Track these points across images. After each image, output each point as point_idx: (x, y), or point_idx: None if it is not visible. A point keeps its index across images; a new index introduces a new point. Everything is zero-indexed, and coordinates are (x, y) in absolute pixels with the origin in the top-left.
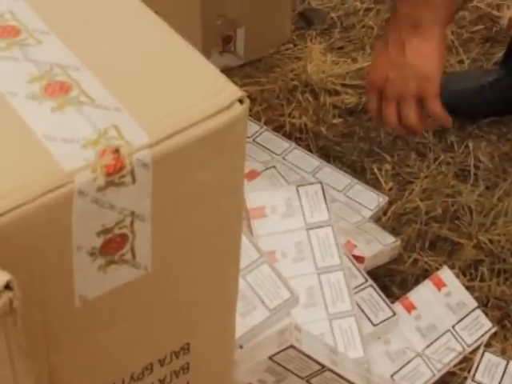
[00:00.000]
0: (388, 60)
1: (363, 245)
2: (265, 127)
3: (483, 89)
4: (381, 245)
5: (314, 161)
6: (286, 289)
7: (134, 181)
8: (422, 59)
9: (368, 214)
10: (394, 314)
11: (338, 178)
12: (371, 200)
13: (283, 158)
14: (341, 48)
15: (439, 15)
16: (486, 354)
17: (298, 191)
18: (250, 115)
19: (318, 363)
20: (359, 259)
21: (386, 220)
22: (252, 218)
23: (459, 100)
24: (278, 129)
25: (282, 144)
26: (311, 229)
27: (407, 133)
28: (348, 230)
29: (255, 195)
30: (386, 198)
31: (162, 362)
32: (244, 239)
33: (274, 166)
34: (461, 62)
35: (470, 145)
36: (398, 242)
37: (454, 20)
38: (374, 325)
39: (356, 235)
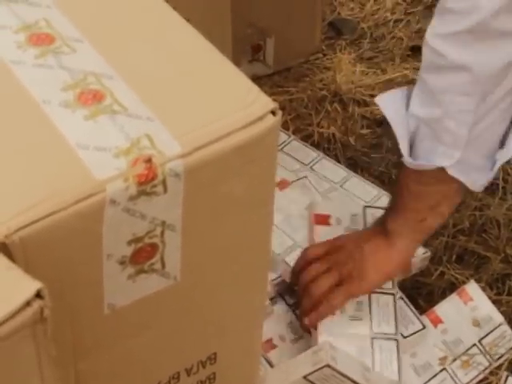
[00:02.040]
0: (357, 239)
1: None
2: (293, 136)
3: None
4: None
5: (341, 171)
6: None
7: (165, 190)
8: (373, 261)
9: None
10: (424, 326)
11: (365, 188)
12: None
13: (311, 168)
14: (370, 58)
15: (406, 227)
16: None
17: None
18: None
19: (354, 381)
20: None
21: None
22: None
23: None
24: (306, 138)
25: (310, 153)
26: None
27: (301, 294)
28: None
29: None
30: None
31: (188, 372)
32: None
33: (306, 176)
34: None
35: None
36: (429, 254)
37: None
38: (404, 337)
39: None
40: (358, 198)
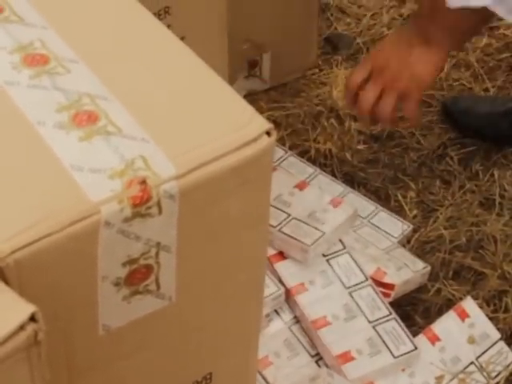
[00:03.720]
0: (396, 51)
1: (393, 271)
2: (289, 152)
3: (510, 112)
4: (411, 271)
5: (338, 186)
6: None
7: (160, 212)
8: (423, 66)
9: (392, 241)
10: (415, 348)
11: (362, 204)
12: (395, 227)
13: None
14: None
15: (448, 37)
16: None
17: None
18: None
19: None
20: (389, 287)
21: (410, 248)
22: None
23: (485, 122)
24: (302, 154)
25: (306, 169)
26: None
27: (371, 122)
28: (377, 257)
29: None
30: (411, 226)
31: None
32: None
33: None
34: (486, 89)
35: (496, 173)
36: (428, 268)
37: (477, 47)
38: (395, 357)
39: (385, 262)
40: None
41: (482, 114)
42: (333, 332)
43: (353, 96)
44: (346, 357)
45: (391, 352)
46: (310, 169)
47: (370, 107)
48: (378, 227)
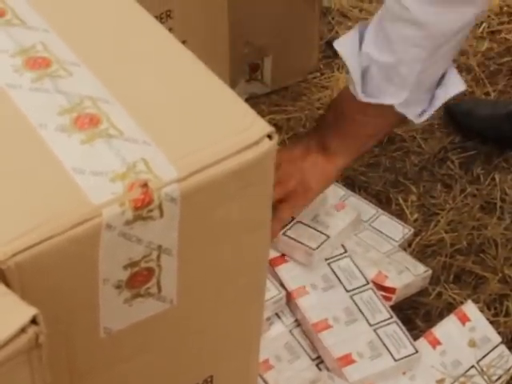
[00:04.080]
0: (290, 155)
1: (394, 275)
2: None
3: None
4: (412, 275)
5: (339, 190)
6: None
7: (161, 215)
8: (313, 174)
9: (393, 245)
10: (416, 351)
11: (363, 208)
12: (396, 231)
13: None
14: None
15: (344, 147)
16: None
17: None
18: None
19: None
20: (390, 290)
21: (411, 252)
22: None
23: (487, 124)
24: None
25: None
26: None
27: None
28: (378, 260)
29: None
30: (412, 230)
31: None
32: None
33: None
34: (487, 93)
35: (497, 177)
36: (430, 272)
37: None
38: (396, 360)
39: (387, 265)
40: None
41: (483, 116)
42: (334, 335)
43: None
44: (347, 359)
45: (392, 355)
46: None
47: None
48: (379, 231)
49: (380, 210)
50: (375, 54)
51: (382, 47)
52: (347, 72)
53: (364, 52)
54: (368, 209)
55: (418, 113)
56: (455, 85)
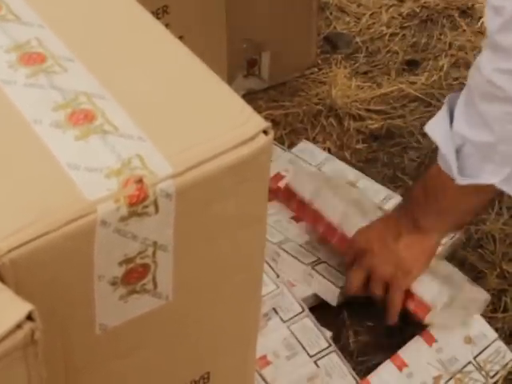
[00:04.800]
0: (381, 237)
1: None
2: (288, 151)
3: None
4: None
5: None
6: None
7: (156, 211)
8: (411, 255)
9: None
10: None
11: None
12: None
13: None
14: (366, 73)
15: (440, 223)
16: None
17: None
18: (274, 139)
19: None
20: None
21: None
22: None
23: None
24: None
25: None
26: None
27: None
28: None
29: None
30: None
31: None
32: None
33: None
34: None
35: None
36: (458, 236)
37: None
38: None
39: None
40: None
41: None
42: None
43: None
44: None
45: None
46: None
47: (356, 289)
48: None
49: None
50: (470, 134)
51: (476, 126)
52: (439, 155)
53: (455, 131)
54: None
55: None
56: None
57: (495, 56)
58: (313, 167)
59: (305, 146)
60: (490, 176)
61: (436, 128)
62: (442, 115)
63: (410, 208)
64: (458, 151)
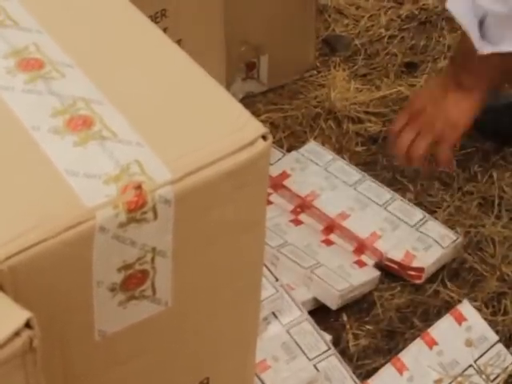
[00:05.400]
0: (432, 97)
1: (422, 253)
2: (287, 154)
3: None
4: (441, 248)
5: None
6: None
7: (155, 217)
8: (457, 110)
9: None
10: None
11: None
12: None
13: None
14: (364, 75)
15: (480, 82)
16: None
17: None
18: (273, 142)
19: None
20: (419, 270)
21: None
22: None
23: (486, 115)
24: None
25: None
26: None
27: (406, 162)
28: (406, 237)
29: None
30: (459, 236)
31: None
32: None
33: None
34: None
35: (494, 175)
36: (460, 239)
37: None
38: None
39: (415, 242)
40: None
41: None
42: None
43: (394, 140)
44: None
45: None
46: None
47: (405, 149)
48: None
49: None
50: (490, 6)
51: None
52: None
53: (477, 5)
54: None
55: None
56: None
57: None
58: (320, 167)
59: (312, 147)
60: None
61: (458, 4)
62: None
63: (453, 69)
64: (480, 23)
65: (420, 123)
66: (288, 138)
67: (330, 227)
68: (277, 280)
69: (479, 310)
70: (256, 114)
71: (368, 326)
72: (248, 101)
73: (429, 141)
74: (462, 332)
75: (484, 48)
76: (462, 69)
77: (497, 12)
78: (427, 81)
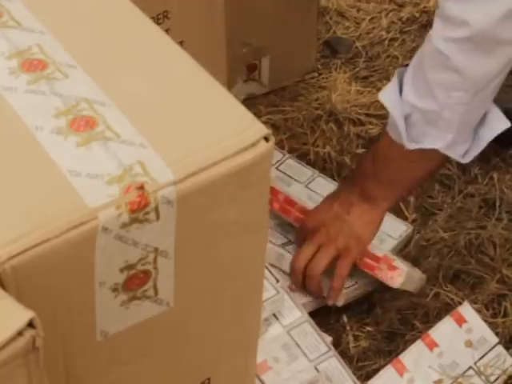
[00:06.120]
0: (330, 211)
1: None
2: (288, 155)
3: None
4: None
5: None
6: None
7: (158, 217)
8: (362, 223)
9: (393, 242)
10: None
11: None
12: (395, 229)
13: (306, 186)
14: (365, 77)
15: (389, 192)
16: None
17: None
18: (274, 144)
19: None
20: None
21: (409, 252)
22: None
23: None
24: (301, 158)
25: (305, 172)
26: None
27: (300, 284)
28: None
29: None
30: (411, 227)
31: None
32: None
33: None
34: None
35: (495, 177)
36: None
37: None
38: None
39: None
40: None
41: None
42: None
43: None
44: None
45: None
46: (308, 171)
47: (302, 267)
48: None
49: None
50: (416, 102)
51: (422, 94)
52: (389, 122)
53: (404, 100)
54: None
55: (462, 153)
56: (498, 122)
57: (443, 25)
58: (300, 184)
59: (291, 164)
60: (435, 141)
61: (387, 96)
62: (392, 84)
63: (359, 180)
64: (406, 118)
65: (320, 238)
66: (289, 139)
67: None
68: (278, 281)
69: (479, 311)
70: (257, 115)
71: (368, 328)
72: (249, 102)
73: (329, 255)
74: (462, 334)
75: (409, 145)
76: (370, 178)
77: (424, 109)
78: (321, 201)
